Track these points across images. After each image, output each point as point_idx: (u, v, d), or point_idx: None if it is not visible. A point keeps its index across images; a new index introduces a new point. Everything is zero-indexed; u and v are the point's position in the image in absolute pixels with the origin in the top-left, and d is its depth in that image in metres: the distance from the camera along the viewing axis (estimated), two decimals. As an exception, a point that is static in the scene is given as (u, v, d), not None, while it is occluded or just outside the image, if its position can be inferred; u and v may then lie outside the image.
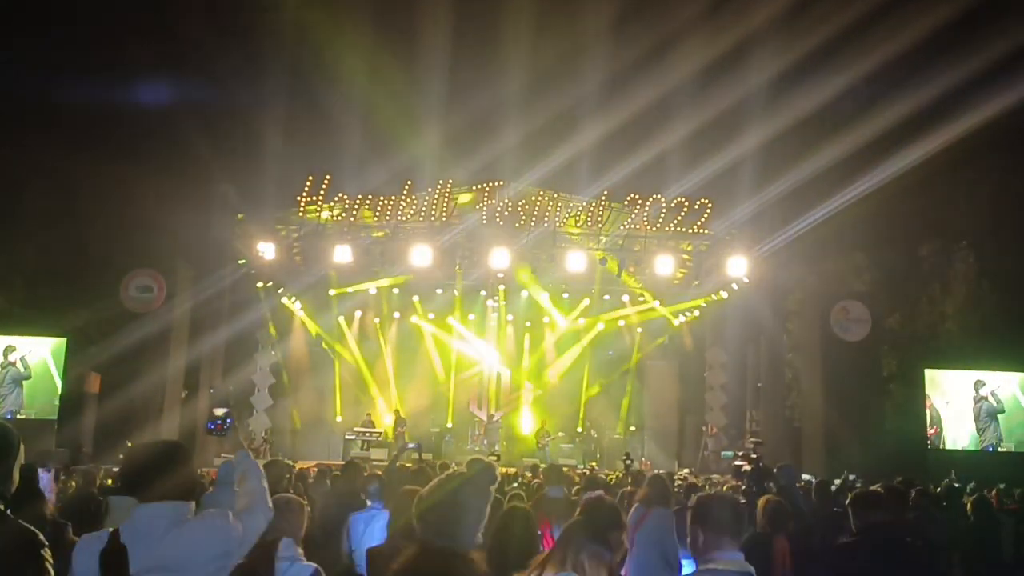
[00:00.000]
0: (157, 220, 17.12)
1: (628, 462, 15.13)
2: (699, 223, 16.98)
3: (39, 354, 16.75)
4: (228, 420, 3.23)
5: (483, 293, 21.39)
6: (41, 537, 2.35)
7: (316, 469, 10.28)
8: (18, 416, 16.32)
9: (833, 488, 8.34)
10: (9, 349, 16.70)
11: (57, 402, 17.01)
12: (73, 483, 8.52)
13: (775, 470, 7.19)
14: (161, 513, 2.61)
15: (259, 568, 2.77)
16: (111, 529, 2.61)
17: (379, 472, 6.41)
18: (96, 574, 2.49)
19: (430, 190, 16.94)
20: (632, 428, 21.34)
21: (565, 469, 15.27)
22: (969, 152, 19.02)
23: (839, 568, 4.31)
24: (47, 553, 2.30)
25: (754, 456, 10.00)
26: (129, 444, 13.90)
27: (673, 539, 5.33)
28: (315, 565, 3.86)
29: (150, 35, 21.38)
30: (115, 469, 9.87)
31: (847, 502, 4.46)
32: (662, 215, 16.91)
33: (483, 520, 2.71)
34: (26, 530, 2.36)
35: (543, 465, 15.16)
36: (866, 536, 4.23)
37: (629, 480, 9.19)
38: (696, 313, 21.31)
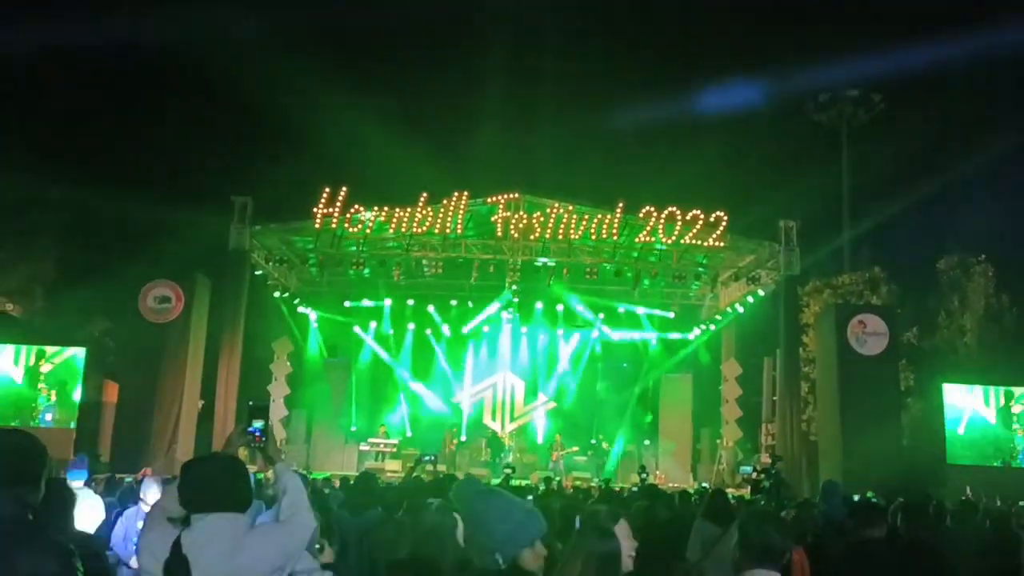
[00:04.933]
0: (175, 232, 17.32)
1: (643, 476, 15.03)
2: (715, 236, 16.95)
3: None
4: (260, 431, 3.28)
5: (498, 304, 21.39)
6: (71, 546, 2.39)
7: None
8: (46, 426, 16.56)
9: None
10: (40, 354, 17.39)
11: (76, 411, 17.22)
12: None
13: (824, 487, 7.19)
14: (222, 524, 2.71)
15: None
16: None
17: (395, 483, 6.45)
18: None
19: (445, 202, 17.03)
20: (647, 442, 21.23)
21: (579, 483, 15.26)
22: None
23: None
24: (78, 563, 2.34)
25: (773, 471, 9.97)
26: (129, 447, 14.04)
27: None
28: (330, 573, 3.89)
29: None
30: (128, 478, 9.93)
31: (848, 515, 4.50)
32: (678, 228, 16.89)
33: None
34: (55, 540, 2.40)
35: (557, 478, 15.10)
36: (857, 551, 4.28)
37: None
38: (712, 326, 21.23)
